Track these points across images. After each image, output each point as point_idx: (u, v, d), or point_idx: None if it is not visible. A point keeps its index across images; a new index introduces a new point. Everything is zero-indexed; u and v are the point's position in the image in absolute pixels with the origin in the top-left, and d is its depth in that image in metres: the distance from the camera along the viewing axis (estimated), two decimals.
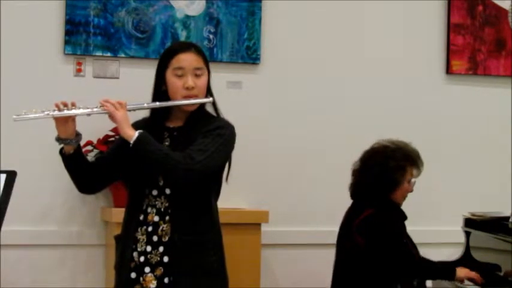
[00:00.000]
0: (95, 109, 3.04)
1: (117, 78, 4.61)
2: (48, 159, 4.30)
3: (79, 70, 4.56)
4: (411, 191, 4.02)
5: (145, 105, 3.13)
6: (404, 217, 3.98)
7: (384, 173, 3.93)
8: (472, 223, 4.31)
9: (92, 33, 4.54)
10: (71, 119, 3.03)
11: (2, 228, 2.81)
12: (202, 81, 3.12)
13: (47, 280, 4.46)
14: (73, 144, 3.05)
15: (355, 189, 4.04)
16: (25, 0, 4.46)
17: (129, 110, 3.06)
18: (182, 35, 4.67)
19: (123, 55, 4.60)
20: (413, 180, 4.00)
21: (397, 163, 3.95)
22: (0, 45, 4.42)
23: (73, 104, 3.02)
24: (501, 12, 5.18)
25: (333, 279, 4.01)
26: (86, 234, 4.54)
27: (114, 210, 4.33)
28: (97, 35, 4.55)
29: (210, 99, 3.15)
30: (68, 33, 4.51)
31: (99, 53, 4.57)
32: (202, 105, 3.15)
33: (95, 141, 4.32)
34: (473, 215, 4.36)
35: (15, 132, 4.31)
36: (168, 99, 3.11)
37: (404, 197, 4.02)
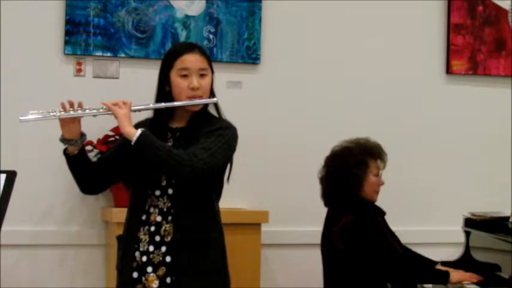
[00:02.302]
0: (101, 110, 3.03)
1: (117, 78, 4.61)
2: (48, 159, 4.32)
3: (79, 70, 4.56)
4: (382, 183, 4.01)
5: (151, 105, 3.13)
6: (382, 213, 3.98)
7: (346, 172, 3.92)
8: (472, 223, 4.31)
9: (92, 33, 4.54)
10: (77, 120, 3.03)
11: (2, 228, 2.81)
12: (207, 81, 3.12)
13: (47, 280, 4.46)
14: (78, 145, 3.05)
15: (327, 198, 4.04)
16: (25, 0, 4.46)
17: (134, 111, 3.06)
18: (182, 35, 4.67)
19: (123, 55, 4.60)
20: (380, 172, 3.99)
21: (356, 159, 3.95)
22: (0, 46, 4.42)
23: (79, 105, 3.02)
24: (501, 12, 5.18)
25: (325, 284, 4.01)
26: (86, 234, 4.54)
27: (114, 210, 4.33)
28: (97, 35, 4.55)
29: (215, 99, 3.15)
30: (68, 33, 4.51)
31: (99, 53, 4.57)
32: (206, 105, 3.15)
33: (95, 141, 4.32)
34: (473, 215, 4.36)
35: (15, 132, 4.32)
36: (171, 99, 3.11)
37: (376, 192, 3.98)
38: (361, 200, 3.95)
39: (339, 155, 4.01)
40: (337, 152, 4.04)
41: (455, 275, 3.92)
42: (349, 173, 3.92)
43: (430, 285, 4.21)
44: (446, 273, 3.90)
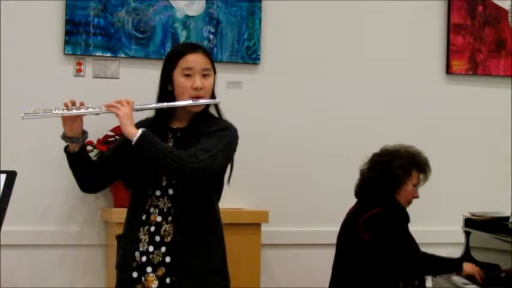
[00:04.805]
0: (104, 108, 3.03)
1: (117, 78, 4.61)
2: (48, 159, 4.33)
3: (79, 70, 4.56)
4: (417, 196, 4.05)
5: (153, 105, 3.13)
6: (408, 220, 4.01)
7: (387, 170, 3.98)
8: (472, 223, 4.31)
9: (92, 33, 4.55)
10: (79, 117, 3.03)
11: (2, 228, 2.81)
12: (209, 82, 3.12)
13: (47, 280, 4.46)
14: (79, 143, 3.05)
15: (360, 189, 4.07)
16: (25, 0, 4.46)
17: (137, 110, 3.05)
18: (182, 35, 4.67)
19: (123, 55, 4.60)
20: (418, 186, 4.05)
21: (401, 162, 3.99)
22: (0, 45, 4.42)
23: (81, 104, 3.02)
24: (501, 12, 5.18)
25: (332, 277, 4.02)
26: (86, 234, 4.54)
27: (114, 210, 4.33)
28: (97, 35, 4.56)
29: (217, 100, 3.15)
30: (68, 33, 4.51)
31: (99, 53, 4.57)
32: (207, 106, 3.15)
33: (94, 141, 4.32)
34: (473, 215, 4.36)
35: (15, 132, 4.32)
36: (173, 99, 3.11)
37: (408, 202, 4.05)
38: (394, 200, 3.98)
39: (388, 153, 4.06)
40: (387, 150, 4.08)
41: (468, 265, 4.01)
42: (392, 172, 3.97)
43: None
44: (460, 263, 3.99)
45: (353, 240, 3.94)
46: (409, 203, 4.06)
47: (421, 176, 4.06)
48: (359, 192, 4.09)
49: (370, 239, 3.86)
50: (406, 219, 3.99)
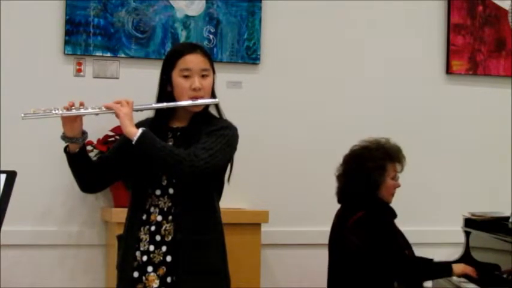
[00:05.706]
0: (103, 108, 3.04)
1: (117, 78, 4.61)
2: (48, 159, 4.33)
3: (79, 70, 4.56)
4: (398, 186, 4.02)
5: (153, 105, 3.14)
6: (394, 215, 3.99)
7: (364, 175, 3.94)
8: (472, 223, 4.31)
9: (92, 33, 4.55)
10: (79, 118, 3.04)
11: (2, 228, 2.81)
12: (208, 82, 3.13)
13: (47, 280, 4.46)
14: (79, 143, 3.06)
15: (342, 195, 4.05)
16: (25, 0, 4.47)
17: (136, 110, 3.06)
18: (182, 35, 4.67)
19: (123, 55, 4.60)
20: (397, 175, 4.01)
21: (375, 163, 3.95)
22: (0, 45, 4.42)
23: (81, 104, 3.03)
24: (501, 12, 5.18)
25: (329, 281, 4.02)
26: (86, 234, 4.54)
27: (114, 210, 4.33)
28: (97, 35, 4.56)
29: (217, 100, 3.15)
30: (68, 33, 4.51)
31: (99, 53, 4.57)
32: (207, 106, 3.16)
33: (95, 141, 4.32)
34: (473, 215, 4.36)
35: (15, 132, 4.32)
36: (173, 99, 3.11)
37: (391, 194, 4.02)
38: (377, 198, 3.97)
39: (358, 156, 4.01)
40: (357, 152, 4.04)
41: (458, 267, 3.96)
42: (367, 176, 3.93)
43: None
44: (449, 267, 3.93)
45: (343, 245, 3.93)
46: (393, 195, 4.03)
47: (397, 166, 4.02)
48: (341, 197, 4.07)
49: (359, 242, 3.84)
50: (391, 216, 3.98)
